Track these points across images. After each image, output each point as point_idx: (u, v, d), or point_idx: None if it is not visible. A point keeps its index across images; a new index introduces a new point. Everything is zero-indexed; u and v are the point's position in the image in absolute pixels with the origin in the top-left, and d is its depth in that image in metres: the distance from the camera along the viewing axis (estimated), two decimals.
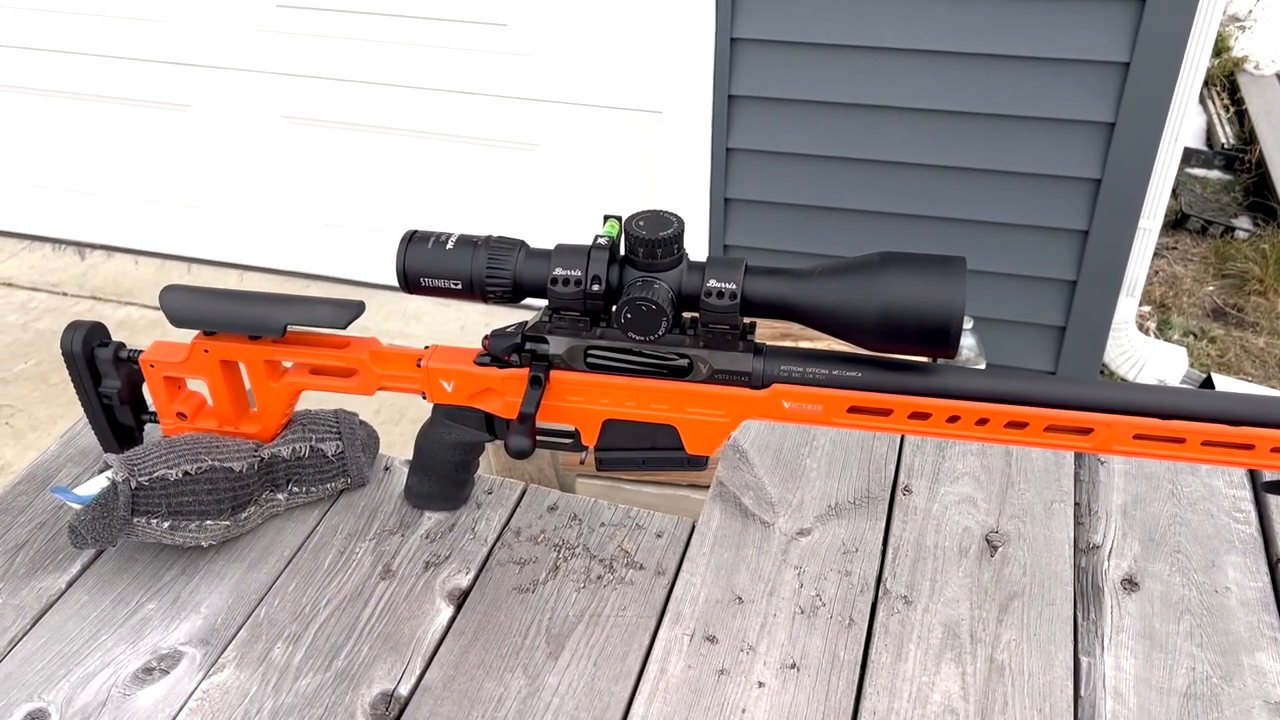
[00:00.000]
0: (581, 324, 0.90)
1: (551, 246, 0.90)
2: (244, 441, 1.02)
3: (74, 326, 1.02)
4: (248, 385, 1.04)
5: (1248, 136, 3.99)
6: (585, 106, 2.64)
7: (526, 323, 0.94)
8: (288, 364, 1.02)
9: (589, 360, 0.93)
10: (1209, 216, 3.57)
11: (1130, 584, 0.98)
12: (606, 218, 0.91)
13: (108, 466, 0.97)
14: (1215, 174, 3.87)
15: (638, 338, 0.87)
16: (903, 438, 1.14)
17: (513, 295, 0.90)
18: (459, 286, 0.90)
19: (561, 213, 2.80)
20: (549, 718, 0.88)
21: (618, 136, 2.64)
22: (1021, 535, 1.03)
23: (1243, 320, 3.15)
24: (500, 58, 2.63)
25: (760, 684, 0.90)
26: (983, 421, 0.87)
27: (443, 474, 1.04)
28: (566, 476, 2.25)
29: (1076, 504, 1.07)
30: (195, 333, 1.01)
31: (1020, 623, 0.95)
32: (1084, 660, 0.92)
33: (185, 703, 0.89)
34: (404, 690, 0.90)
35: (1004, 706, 0.88)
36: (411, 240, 0.90)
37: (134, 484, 0.94)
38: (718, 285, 0.85)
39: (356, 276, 3.08)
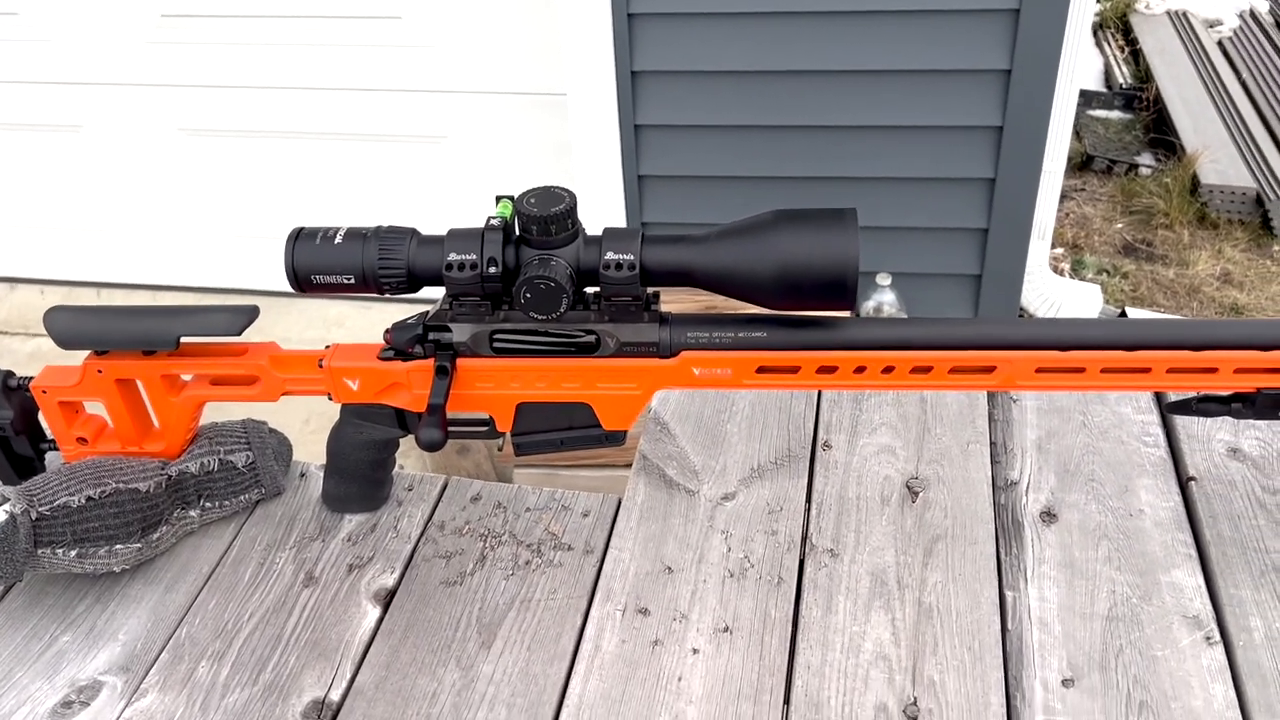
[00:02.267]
0: (483, 308, 0.89)
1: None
2: (149, 461, 1.00)
3: None
4: (148, 403, 1.01)
5: (1144, 75, 4.08)
6: (489, 94, 2.61)
7: (428, 312, 0.93)
8: (186, 377, 1.00)
9: (495, 345, 0.91)
10: (1113, 156, 3.65)
11: (1049, 516, 1.00)
12: (499, 198, 0.89)
13: (4, 500, 0.94)
14: (1116, 114, 3.96)
15: (540, 317, 0.86)
16: (820, 394, 1.15)
17: (408, 285, 0.88)
18: (351, 281, 0.88)
19: (476, 204, 2.76)
20: (485, 708, 0.87)
21: (525, 122, 2.62)
22: (941, 479, 1.04)
23: (1152, 254, 3.23)
24: (398, 51, 2.59)
25: (695, 650, 0.90)
26: (889, 369, 0.88)
27: (358, 474, 1.02)
28: (504, 468, 2.24)
29: (992, 443, 1.08)
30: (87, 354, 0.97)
31: (945, 564, 0.96)
32: (1009, 594, 0.93)
33: None
34: (335, 696, 0.88)
35: (934, 648, 0.89)
36: (299, 237, 0.88)
37: (34, 514, 0.91)
38: (615, 257, 0.84)
39: (273, 286, 3.00)
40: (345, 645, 0.92)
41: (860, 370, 0.88)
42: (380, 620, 0.94)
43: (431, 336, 0.92)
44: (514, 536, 1.01)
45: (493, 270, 0.86)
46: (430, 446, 0.90)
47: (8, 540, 0.90)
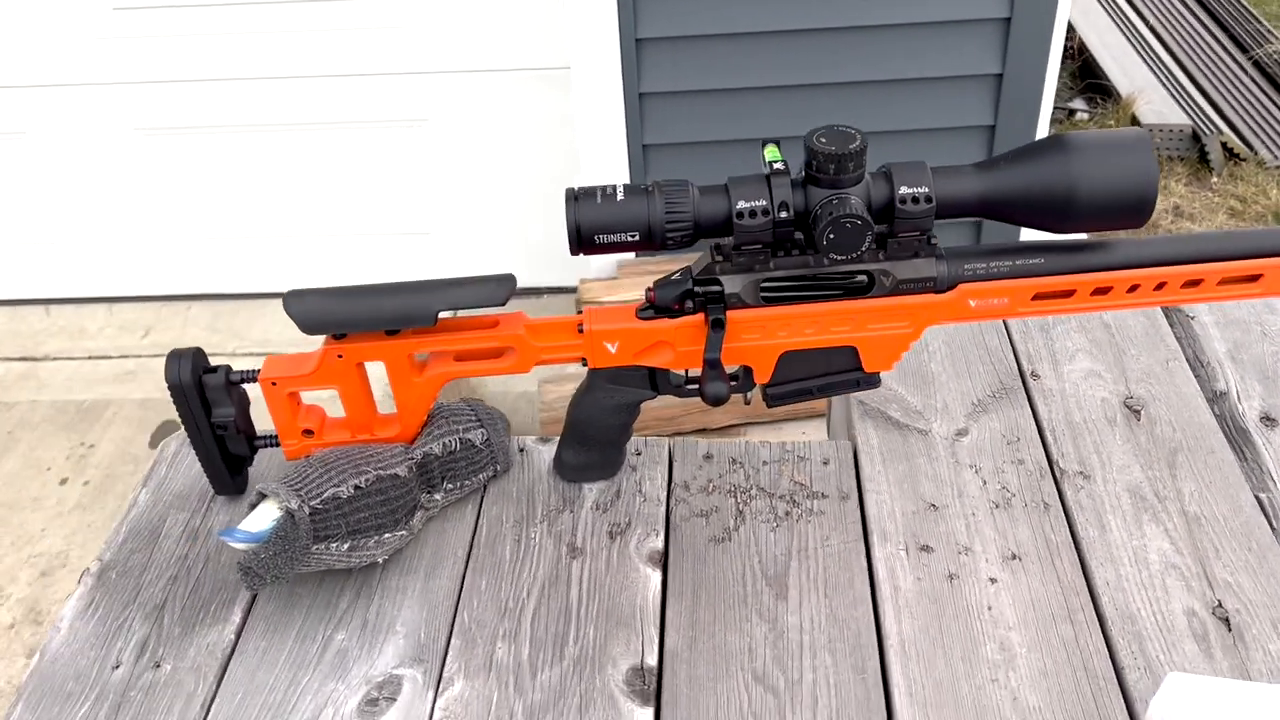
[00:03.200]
0: (761, 256, 0.88)
1: (723, 182, 0.87)
2: (391, 446, 0.95)
3: (177, 355, 0.92)
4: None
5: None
6: (473, 73, 2.55)
7: (690, 268, 0.91)
8: (421, 356, 0.95)
9: (763, 294, 0.90)
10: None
11: (1269, 420, 1.04)
12: (764, 143, 0.88)
13: (263, 497, 0.88)
14: None
15: (839, 257, 0.85)
16: (1007, 327, 1.17)
17: (692, 237, 0.86)
18: (636, 238, 0.85)
19: (459, 186, 2.70)
20: (808, 655, 0.86)
21: (512, 99, 2.56)
22: (1155, 396, 1.08)
23: None
24: (373, 33, 2.51)
25: (992, 580, 0.91)
26: (1160, 286, 0.90)
27: (603, 441, 0.99)
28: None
29: (1186, 359, 1.12)
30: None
31: (1193, 474, 0.99)
32: (1262, 497, 0.97)
33: None
34: (651, 661, 0.86)
35: (1216, 552, 0.92)
36: (579, 198, 0.85)
37: (307, 510, 0.86)
38: (911, 191, 0.84)
39: (246, 289, 2.89)
40: (640, 611, 0.90)
41: (1133, 289, 0.90)
42: (664, 583, 0.93)
43: (699, 291, 0.90)
44: (762, 490, 1.01)
45: (783, 215, 0.84)
46: (716, 401, 0.89)
47: (288, 538, 0.85)
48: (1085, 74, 3.96)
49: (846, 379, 0.95)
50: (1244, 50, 3.94)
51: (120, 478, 2.50)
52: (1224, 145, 3.44)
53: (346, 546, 0.89)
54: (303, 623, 0.91)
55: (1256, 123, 3.56)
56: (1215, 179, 3.42)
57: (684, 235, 0.86)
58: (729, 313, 0.90)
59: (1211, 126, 3.48)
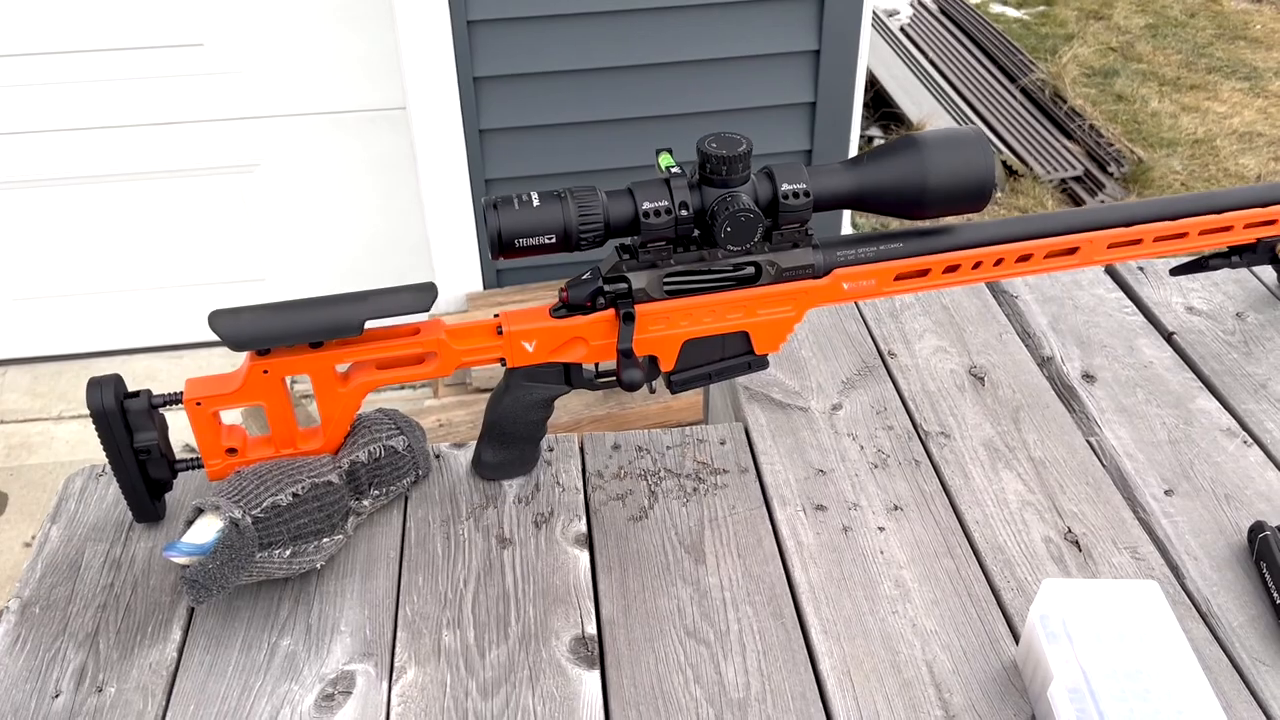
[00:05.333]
0: (663, 253, 0.97)
1: (625, 186, 0.95)
2: (319, 456, 0.98)
3: (97, 383, 0.93)
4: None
5: None
6: (310, 115, 2.56)
7: (599, 267, 0.99)
8: (342, 367, 0.99)
9: (666, 287, 0.99)
10: None
11: (1089, 378, 1.21)
12: (659, 151, 0.98)
13: (199, 512, 0.90)
14: None
15: (735, 249, 0.95)
16: (862, 314, 1.30)
17: (603, 238, 0.94)
18: (553, 240, 0.93)
19: (295, 231, 2.69)
20: (733, 609, 0.95)
21: (347, 141, 2.58)
22: (994, 365, 1.23)
23: None
24: (202, 80, 2.48)
25: (880, 529, 1.03)
26: (999, 261, 1.05)
27: (522, 437, 1.05)
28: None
29: (1016, 331, 1.29)
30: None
31: (1034, 426, 1.14)
32: (1092, 440, 1.13)
33: (389, 710, 0.86)
34: (591, 630, 0.93)
35: (1061, 489, 1.07)
36: (498, 205, 0.92)
37: (249, 519, 0.89)
38: (791, 187, 0.95)
39: (63, 350, 2.77)
40: (574, 587, 0.97)
41: (976, 266, 1.04)
42: (592, 560, 1.00)
43: (608, 289, 0.98)
44: (669, 471, 1.09)
45: (684, 213, 0.94)
46: (632, 386, 0.97)
47: (234, 547, 0.87)
48: (879, 104, 4.29)
49: (739, 362, 1.05)
50: (1012, 79, 4.36)
51: None
52: (1004, 164, 3.80)
53: (289, 553, 0.91)
54: (245, 632, 0.93)
55: (1029, 142, 3.95)
56: (999, 194, 3.76)
57: (596, 235, 0.94)
58: (636, 306, 0.99)
59: (992, 147, 3.84)
